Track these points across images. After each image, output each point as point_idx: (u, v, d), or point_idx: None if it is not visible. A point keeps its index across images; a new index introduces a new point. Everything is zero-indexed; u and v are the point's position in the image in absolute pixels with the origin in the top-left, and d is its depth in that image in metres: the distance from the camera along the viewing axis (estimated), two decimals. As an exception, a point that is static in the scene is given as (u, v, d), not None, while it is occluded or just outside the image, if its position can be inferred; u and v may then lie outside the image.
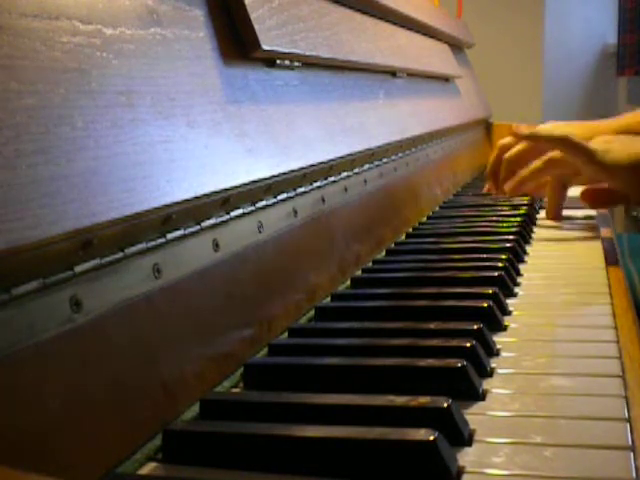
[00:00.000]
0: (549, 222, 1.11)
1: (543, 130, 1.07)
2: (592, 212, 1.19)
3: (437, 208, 1.21)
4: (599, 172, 0.96)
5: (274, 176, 0.58)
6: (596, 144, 0.96)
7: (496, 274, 0.72)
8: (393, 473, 0.37)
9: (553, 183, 1.11)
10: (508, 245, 0.86)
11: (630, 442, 0.40)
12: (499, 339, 0.59)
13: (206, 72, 0.54)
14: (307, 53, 0.71)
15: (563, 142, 0.99)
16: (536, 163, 1.09)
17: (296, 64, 0.70)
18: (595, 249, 0.90)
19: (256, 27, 0.61)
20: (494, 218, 1.07)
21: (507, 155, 1.19)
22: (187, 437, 0.42)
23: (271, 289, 0.59)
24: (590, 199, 1.07)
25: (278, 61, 0.66)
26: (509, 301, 0.69)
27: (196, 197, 0.47)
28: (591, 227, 1.05)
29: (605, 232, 1.01)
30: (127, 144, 0.42)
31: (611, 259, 0.85)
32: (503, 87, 2.65)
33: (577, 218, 1.14)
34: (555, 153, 1.04)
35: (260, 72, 0.63)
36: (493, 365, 0.53)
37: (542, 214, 1.20)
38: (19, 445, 0.33)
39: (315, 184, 0.70)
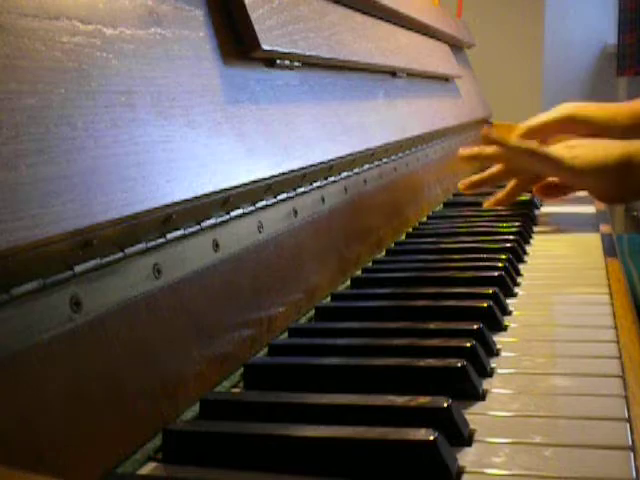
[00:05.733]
0: (548, 223, 1.12)
1: (512, 140, 1.08)
2: (592, 209, 1.19)
3: (437, 208, 1.21)
4: (568, 177, 1.03)
5: (274, 176, 0.58)
6: (562, 151, 1.01)
7: (496, 274, 0.72)
8: (393, 473, 0.37)
9: (519, 178, 1.13)
10: (508, 245, 0.86)
11: (630, 442, 0.40)
12: (499, 339, 0.59)
13: (206, 72, 0.54)
14: (307, 53, 0.71)
15: (530, 154, 1.03)
16: (492, 170, 1.12)
17: (296, 64, 0.70)
18: (595, 249, 0.90)
19: (256, 27, 0.61)
20: (494, 218, 1.07)
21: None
22: (187, 437, 0.42)
23: (271, 289, 0.59)
24: (542, 194, 1.13)
25: (278, 61, 0.66)
26: (509, 301, 0.69)
27: (196, 197, 0.47)
28: (591, 227, 1.05)
29: (604, 231, 1.01)
30: (127, 144, 0.42)
31: (611, 258, 0.85)
32: (503, 87, 2.65)
33: (577, 218, 1.14)
34: (514, 164, 1.08)
35: (260, 72, 0.63)
36: (493, 365, 0.53)
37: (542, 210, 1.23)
38: (19, 445, 0.33)
39: (315, 184, 0.70)
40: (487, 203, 1.15)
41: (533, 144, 1.04)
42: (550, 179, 1.11)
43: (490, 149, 1.08)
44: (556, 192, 1.13)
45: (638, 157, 0.95)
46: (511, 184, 1.14)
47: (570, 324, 0.63)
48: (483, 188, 1.17)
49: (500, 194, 1.14)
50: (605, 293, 0.70)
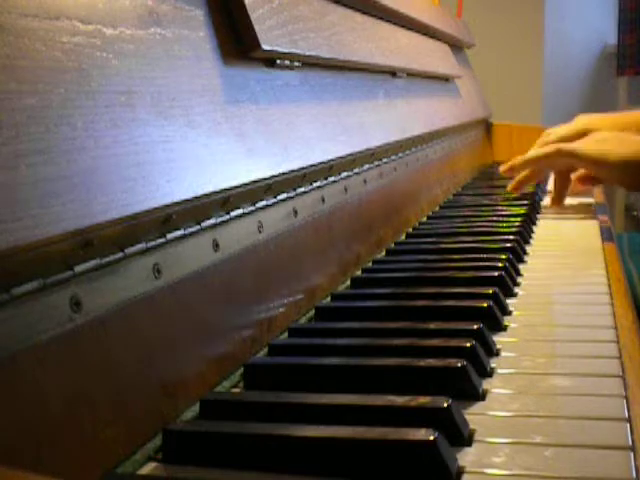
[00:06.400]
0: (549, 222, 1.12)
1: (535, 152, 1.17)
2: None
3: (437, 208, 1.21)
4: (595, 169, 1.09)
5: (274, 176, 0.58)
6: (589, 144, 1.06)
7: (496, 274, 0.72)
8: (393, 473, 0.37)
9: (557, 172, 1.21)
10: (508, 245, 0.86)
11: (630, 442, 0.40)
12: (499, 339, 0.59)
13: (206, 72, 0.54)
14: (307, 53, 0.71)
15: (558, 154, 1.11)
16: (532, 153, 1.18)
17: (296, 64, 0.70)
18: (595, 249, 0.90)
19: (256, 27, 0.61)
20: (494, 218, 1.07)
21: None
22: (187, 437, 0.42)
23: (271, 289, 0.59)
24: (578, 182, 1.19)
25: (278, 61, 0.66)
26: (509, 301, 0.69)
27: (196, 197, 0.47)
28: (591, 226, 1.05)
29: (604, 230, 1.01)
30: (127, 144, 0.42)
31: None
32: (503, 87, 2.65)
33: (577, 218, 1.14)
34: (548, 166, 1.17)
35: (260, 72, 0.63)
36: (493, 365, 0.53)
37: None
38: (19, 445, 0.33)
39: (315, 184, 0.70)
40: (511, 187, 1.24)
41: (557, 145, 1.12)
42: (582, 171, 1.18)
43: (524, 171, 1.19)
44: (590, 181, 1.18)
45: None
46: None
47: (570, 324, 0.63)
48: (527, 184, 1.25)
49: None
50: (605, 293, 0.70)
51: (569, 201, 1.24)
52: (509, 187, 1.24)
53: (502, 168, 1.25)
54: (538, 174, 1.22)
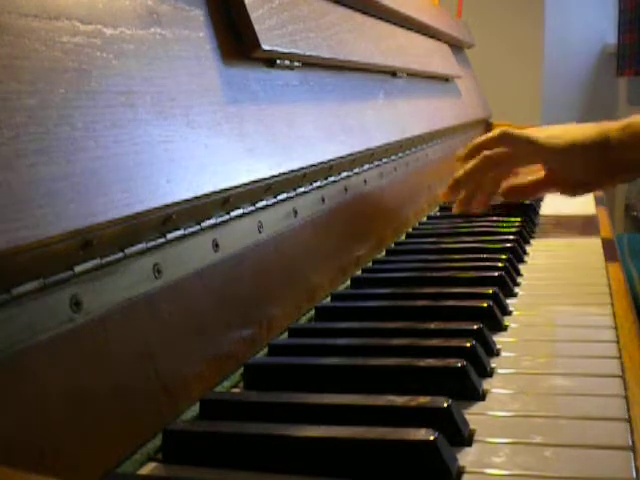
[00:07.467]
0: (549, 222, 1.11)
1: (479, 139, 1.01)
2: (592, 211, 1.19)
3: (437, 208, 1.21)
4: (544, 158, 0.98)
5: (274, 176, 0.58)
6: (536, 133, 0.98)
7: (496, 274, 0.72)
8: (393, 473, 0.37)
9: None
10: (508, 245, 0.86)
11: (630, 442, 0.40)
12: (499, 339, 0.59)
13: (206, 72, 0.54)
14: (307, 53, 0.71)
15: (503, 137, 0.98)
16: (472, 162, 1.00)
17: (296, 64, 0.70)
18: (595, 249, 0.90)
19: (256, 27, 0.61)
20: (494, 218, 1.07)
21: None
22: (187, 437, 0.42)
23: (271, 289, 0.59)
24: (512, 195, 1.05)
25: (278, 61, 0.66)
26: (509, 301, 0.69)
27: (196, 197, 0.47)
28: (591, 227, 1.05)
29: (605, 232, 1.01)
30: (127, 144, 0.42)
31: (611, 258, 0.85)
32: (503, 87, 2.65)
33: (577, 218, 1.14)
34: (489, 151, 0.99)
35: (260, 72, 0.63)
36: (493, 365, 0.53)
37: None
38: (19, 445, 0.33)
39: (315, 184, 0.70)
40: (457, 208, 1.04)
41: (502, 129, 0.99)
42: (517, 182, 1.05)
43: (472, 158, 1.00)
44: (521, 194, 1.06)
45: (615, 137, 0.94)
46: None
47: (570, 324, 0.63)
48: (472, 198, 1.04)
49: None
50: (605, 293, 0.70)
51: (569, 211, 1.20)
52: (454, 209, 1.03)
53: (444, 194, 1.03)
54: (486, 187, 1.02)
